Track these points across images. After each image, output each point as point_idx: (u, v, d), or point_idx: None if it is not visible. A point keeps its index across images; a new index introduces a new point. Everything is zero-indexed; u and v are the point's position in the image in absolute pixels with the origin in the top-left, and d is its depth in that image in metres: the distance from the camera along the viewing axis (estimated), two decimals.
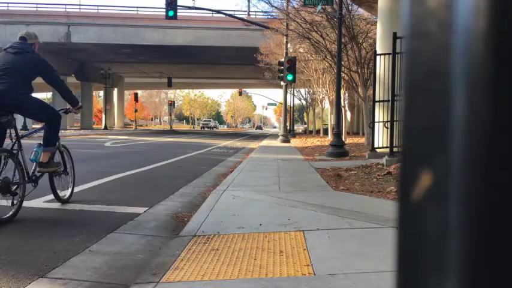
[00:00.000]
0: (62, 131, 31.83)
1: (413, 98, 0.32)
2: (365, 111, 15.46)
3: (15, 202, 3.96)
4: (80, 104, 4.93)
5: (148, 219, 4.29)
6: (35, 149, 4.40)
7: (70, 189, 4.93)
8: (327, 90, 22.90)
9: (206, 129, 66.90)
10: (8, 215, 3.85)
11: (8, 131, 4.24)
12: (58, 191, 4.66)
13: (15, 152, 4.12)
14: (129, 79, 54.06)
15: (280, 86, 26.84)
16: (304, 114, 48.00)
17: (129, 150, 14.03)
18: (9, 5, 34.88)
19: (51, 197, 4.88)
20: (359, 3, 15.37)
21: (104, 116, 42.51)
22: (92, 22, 33.27)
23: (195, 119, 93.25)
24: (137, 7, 61.44)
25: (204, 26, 33.50)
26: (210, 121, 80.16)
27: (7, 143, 4.25)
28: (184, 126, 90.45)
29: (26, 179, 4.18)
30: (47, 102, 4.54)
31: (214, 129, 67.79)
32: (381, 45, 11.08)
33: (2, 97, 4.06)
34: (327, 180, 6.57)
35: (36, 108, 4.43)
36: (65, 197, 4.81)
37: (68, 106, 4.90)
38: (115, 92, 48.65)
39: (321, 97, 27.08)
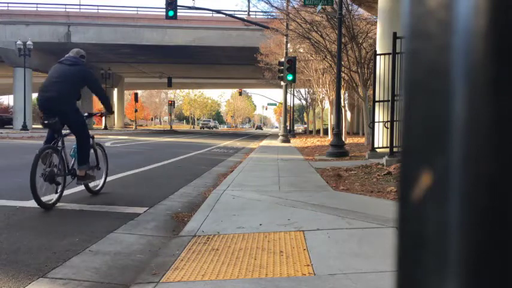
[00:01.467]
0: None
1: (413, 98, 0.32)
2: (365, 111, 15.46)
3: (58, 190, 4.71)
4: (113, 110, 5.79)
5: (148, 219, 4.29)
6: (74, 146, 5.19)
7: (102, 182, 5.57)
8: (327, 90, 22.90)
9: (206, 129, 66.57)
10: (52, 201, 4.60)
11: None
12: (90, 185, 5.39)
13: (59, 148, 4.84)
14: (129, 79, 54.06)
15: (280, 86, 26.85)
16: (304, 114, 48.01)
17: (129, 150, 14.03)
18: (9, 5, 34.89)
19: (51, 197, 4.89)
20: (359, 3, 15.37)
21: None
22: (92, 22, 33.28)
23: (195, 119, 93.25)
24: (137, 7, 61.37)
25: (204, 26, 33.50)
26: (209, 121, 79.12)
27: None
28: (184, 126, 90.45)
29: (67, 171, 4.92)
30: (85, 122, 5.28)
31: (214, 130, 67.18)
32: (381, 45, 11.08)
33: (51, 102, 4.78)
34: (327, 180, 6.57)
35: (73, 121, 5.04)
36: (97, 188, 5.47)
37: (99, 111, 6.00)
38: (115, 92, 48.65)
39: (321, 97, 27.08)
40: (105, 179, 5.66)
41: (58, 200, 4.68)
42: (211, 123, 76.96)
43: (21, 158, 10.48)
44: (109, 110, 5.64)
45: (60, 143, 4.92)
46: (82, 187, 5.83)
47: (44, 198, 4.48)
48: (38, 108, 4.95)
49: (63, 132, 5.04)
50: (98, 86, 5.35)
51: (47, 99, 4.82)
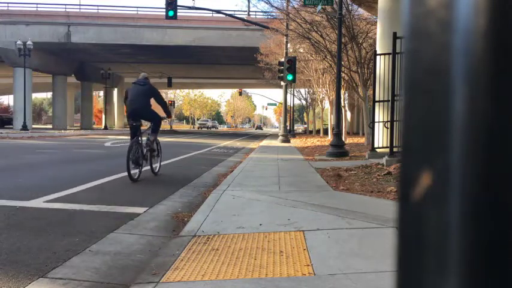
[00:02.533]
0: (62, 131, 31.83)
1: (413, 98, 0.32)
2: (365, 111, 15.46)
3: (152, 168, 7.44)
4: (171, 115, 8.00)
5: (148, 219, 4.29)
6: (146, 141, 7.28)
7: (159, 165, 7.82)
8: (327, 90, 22.90)
9: (204, 129, 63.77)
10: (136, 177, 6.74)
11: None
12: (152, 166, 7.51)
13: (140, 142, 7.03)
14: (129, 79, 53.90)
15: (280, 86, 26.85)
16: (304, 114, 48.01)
17: None
18: (9, 5, 34.90)
19: (51, 197, 4.91)
20: (359, 3, 15.37)
21: (104, 116, 42.52)
22: (92, 22, 33.27)
23: (195, 119, 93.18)
24: (137, 7, 61.36)
25: (204, 26, 33.49)
26: (207, 121, 74.60)
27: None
28: (184, 126, 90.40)
29: (143, 157, 7.07)
30: (155, 112, 7.38)
31: (213, 130, 64.79)
32: (381, 45, 11.08)
33: (137, 110, 7.06)
34: (327, 180, 6.57)
35: (151, 115, 7.33)
36: (156, 170, 7.63)
37: (164, 115, 7.74)
38: (115, 92, 48.64)
39: (321, 97, 27.08)
40: (160, 164, 7.89)
41: (139, 175, 6.83)
42: (210, 123, 72.98)
43: (21, 158, 10.49)
44: (168, 115, 7.82)
45: (139, 140, 7.02)
46: (81, 188, 5.83)
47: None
48: (127, 116, 7.13)
49: (142, 129, 7.26)
50: (161, 97, 7.42)
51: (134, 109, 7.07)
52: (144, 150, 7.14)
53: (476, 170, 0.27)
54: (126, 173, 6.59)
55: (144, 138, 7.26)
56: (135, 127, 7.02)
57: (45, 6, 35.19)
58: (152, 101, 7.29)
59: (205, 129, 62.10)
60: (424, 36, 0.30)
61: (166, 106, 7.58)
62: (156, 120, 7.38)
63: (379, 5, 11.72)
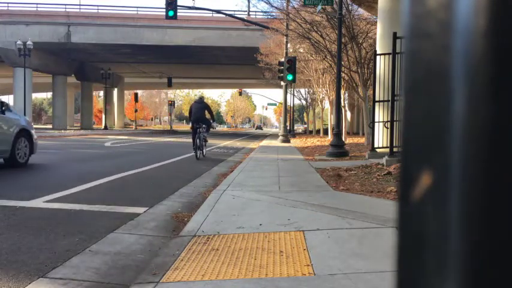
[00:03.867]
0: (62, 131, 31.81)
1: (413, 98, 0.32)
2: (365, 111, 15.46)
3: (202, 152, 11.47)
4: (214, 119, 12.62)
5: (148, 219, 4.29)
6: (202, 135, 11.23)
7: (205, 151, 11.83)
8: (327, 90, 22.90)
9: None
10: (199, 157, 11.03)
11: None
12: (204, 150, 11.56)
13: (200, 136, 11.09)
14: (129, 79, 54.07)
15: (280, 86, 26.84)
16: (304, 114, 48.00)
17: (129, 150, 14.03)
18: (9, 5, 34.90)
19: (51, 197, 4.92)
20: (359, 3, 15.37)
21: (104, 116, 42.51)
22: (92, 22, 33.27)
23: None
24: (137, 7, 61.31)
25: (204, 26, 33.49)
26: None
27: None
28: (184, 126, 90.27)
29: (201, 145, 11.26)
30: (207, 119, 11.82)
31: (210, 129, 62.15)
32: (381, 45, 11.08)
33: (198, 118, 11.24)
34: (327, 180, 6.57)
35: (205, 121, 11.46)
36: (204, 154, 11.57)
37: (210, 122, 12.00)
38: (115, 92, 48.64)
39: (321, 97, 27.07)
40: (205, 150, 11.93)
41: (199, 156, 11.10)
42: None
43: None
44: (213, 120, 12.15)
45: (199, 135, 11.12)
46: (82, 187, 5.85)
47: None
48: (192, 121, 11.47)
49: (200, 130, 11.33)
50: (210, 109, 11.90)
51: (196, 118, 11.35)
52: (200, 141, 11.28)
53: (476, 170, 0.27)
54: (126, 173, 6.74)
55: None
56: (196, 128, 11.32)
57: (45, 6, 35.21)
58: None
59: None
60: (424, 37, 0.30)
61: (213, 114, 12.17)
62: (207, 124, 11.67)
63: (379, 5, 11.72)
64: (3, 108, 7.93)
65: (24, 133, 8.50)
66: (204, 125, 11.40)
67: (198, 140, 11.13)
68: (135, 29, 33.12)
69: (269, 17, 23.20)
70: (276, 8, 18.73)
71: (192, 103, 11.78)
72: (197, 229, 3.61)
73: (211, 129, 12.68)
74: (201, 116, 11.45)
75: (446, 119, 0.29)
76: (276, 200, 4.91)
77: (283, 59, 17.59)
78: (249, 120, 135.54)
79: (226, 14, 24.21)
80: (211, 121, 11.89)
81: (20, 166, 8.13)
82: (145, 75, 49.87)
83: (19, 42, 28.63)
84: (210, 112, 11.85)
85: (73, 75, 40.98)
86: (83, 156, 11.48)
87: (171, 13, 18.44)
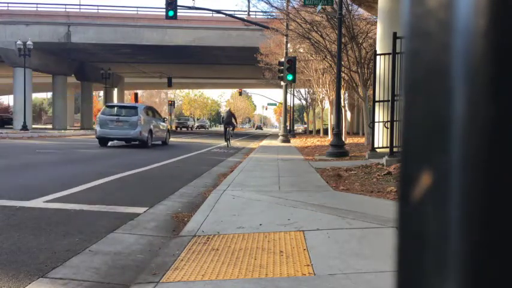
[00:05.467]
0: (62, 131, 31.80)
1: (413, 98, 0.32)
2: (365, 111, 15.46)
3: (229, 143, 18.16)
4: (237, 122, 21.17)
5: (148, 219, 4.29)
6: (230, 132, 18.23)
7: (231, 142, 18.22)
8: (327, 90, 22.90)
9: (183, 129, 53.34)
10: (228, 146, 17.52)
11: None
12: (230, 142, 18.20)
13: (229, 132, 18.13)
14: (129, 79, 54.04)
15: (280, 86, 26.84)
16: (304, 114, 47.99)
17: (129, 150, 14.03)
18: (9, 5, 34.88)
19: (51, 197, 4.92)
20: (359, 3, 15.37)
21: None
22: (92, 22, 33.26)
23: (195, 119, 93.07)
24: (137, 7, 61.29)
25: (204, 26, 33.48)
26: (188, 119, 61.63)
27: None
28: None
29: (229, 137, 18.17)
30: (233, 122, 18.73)
31: (202, 130, 55.27)
32: (381, 45, 11.07)
33: (228, 123, 18.15)
34: (327, 180, 6.57)
35: (232, 124, 18.24)
36: (230, 145, 17.90)
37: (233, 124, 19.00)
38: (115, 92, 48.60)
39: (321, 97, 27.07)
40: (231, 141, 18.28)
41: (229, 145, 17.80)
42: (190, 122, 61.00)
43: (21, 158, 10.49)
44: (236, 123, 19.14)
45: (228, 131, 17.86)
46: (81, 188, 5.86)
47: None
48: (224, 123, 18.38)
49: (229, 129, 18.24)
50: (235, 116, 18.88)
51: (227, 122, 18.17)
52: (228, 135, 17.73)
53: (476, 170, 0.27)
54: (126, 173, 6.79)
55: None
56: (226, 127, 17.88)
57: (45, 6, 35.19)
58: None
59: (185, 129, 52.87)
60: (424, 36, 0.30)
61: (236, 120, 18.70)
62: (233, 126, 18.27)
63: (379, 5, 11.72)
64: (164, 119, 18.49)
65: (167, 131, 18.18)
66: (231, 126, 18.18)
67: (227, 135, 18.02)
68: (135, 29, 33.11)
69: (269, 17, 23.19)
70: (276, 8, 18.74)
71: (224, 112, 19.86)
72: (197, 229, 3.61)
73: (212, 128, 16.16)
74: (229, 121, 18.26)
75: (446, 119, 0.29)
76: (276, 200, 4.91)
77: (283, 59, 17.59)
78: (249, 120, 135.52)
79: (226, 14, 24.22)
80: (235, 124, 18.83)
81: (167, 145, 17.41)
82: (145, 75, 49.85)
83: (19, 42, 28.62)
84: (235, 118, 18.70)
85: (73, 75, 40.96)
86: (83, 156, 11.48)
87: (171, 13, 18.43)
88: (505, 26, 0.27)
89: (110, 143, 16.03)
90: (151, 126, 15.58)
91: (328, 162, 9.74)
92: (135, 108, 15.56)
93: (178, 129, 52.47)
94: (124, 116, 14.96)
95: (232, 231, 3.56)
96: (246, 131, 70.30)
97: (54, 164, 9.18)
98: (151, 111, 16.71)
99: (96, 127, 15.41)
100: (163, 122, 17.76)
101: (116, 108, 15.94)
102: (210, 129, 66.78)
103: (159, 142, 17.01)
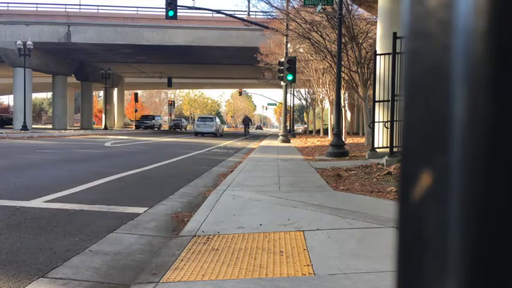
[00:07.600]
0: (62, 131, 31.81)
1: (413, 98, 0.32)
2: (365, 111, 15.46)
3: (246, 136, 32.36)
4: (251, 123, 40.04)
5: (148, 219, 4.29)
6: (248, 131, 33.96)
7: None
8: (327, 90, 22.90)
9: (177, 129, 50.26)
10: (246, 137, 30.97)
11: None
12: (247, 136, 32.92)
13: (247, 130, 33.60)
14: (129, 79, 54.04)
15: (280, 86, 26.85)
16: (304, 114, 47.97)
17: (129, 150, 14.03)
18: (9, 5, 34.90)
19: (51, 197, 4.92)
20: (359, 3, 15.37)
21: (104, 116, 42.50)
22: (92, 22, 33.26)
23: (195, 119, 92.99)
24: (137, 7, 61.39)
25: (204, 26, 33.50)
26: (180, 120, 57.01)
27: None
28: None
29: (247, 134, 33.23)
30: (249, 124, 34.53)
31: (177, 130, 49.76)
32: (381, 45, 11.07)
33: (246, 124, 34.09)
34: (327, 180, 6.57)
35: (248, 125, 33.85)
36: (247, 137, 31.70)
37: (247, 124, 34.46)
38: (115, 92, 48.61)
39: (321, 97, 27.07)
40: (248, 135, 32.84)
41: (247, 137, 30.65)
42: (184, 122, 57.51)
43: (21, 158, 10.49)
44: (251, 124, 42.28)
45: (246, 130, 33.37)
46: (81, 188, 5.86)
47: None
48: (244, 124, 34.46)
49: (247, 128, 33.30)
50: (251, 120, 37.37)
51: (245, 124, 33.54)
52: (246, 133, 32.75)
53: (476, 170, 0.27)
54: (126, 173, 6.80)
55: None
56: (245, 127, 33.14)
57: (45, 6, 35.20)
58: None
59: (179, 130, 49.48)
60: (424, 37, 0.30)
61: (251, 121, 38.64)
62: (249, 126, 33.01)
63: (379, 5, 11.72)
64: (218, 118, 35.29)
65: (220, 126, 34.06)
66: (248, 127, 31.75)
67: (246, 132, 32.01)
68: (135, 29, 33.11)
69: (269, 17, 23.18)
70: (276, 8, 18.75)
71: (244, 116, 34.72)
72: (197, 229, 3.61)
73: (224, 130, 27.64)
74: (247, 123, 32.16)
75: (446, 119, 0.29)
76: (276, 200, 4.91)
77: (283, 59, 17.60)
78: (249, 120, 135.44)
79: (226, 14, 24.24)
80: (250, 125, 29.96)
81: (221, 137, 30.92)
82: (145, 75, 49.85)
83: (19, 42, 28.61)
84: (250, 121, 31.72)
85: (73, 75, 40.95)
86: (82, 156, 11.48)
87: (171, 13, 18.44)
88: (505, 26, 0.27)
89: (110, 143, 15.99)
90: (218, 126, 32.43)
91: (328, 162, 9.74)
92: (213, 117, 33.14)
93: (174, 129, 50.23)
94: (207, 121, 32.12)
95: (232, 231, 3.56)
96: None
97: (54, 164, 9.18)
98: (218, 117, 35.28)
99: (195, 127, 33.47)
100: (222, 124, 26.11)
101: (202, 117, 33.63)
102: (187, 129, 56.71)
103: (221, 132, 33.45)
